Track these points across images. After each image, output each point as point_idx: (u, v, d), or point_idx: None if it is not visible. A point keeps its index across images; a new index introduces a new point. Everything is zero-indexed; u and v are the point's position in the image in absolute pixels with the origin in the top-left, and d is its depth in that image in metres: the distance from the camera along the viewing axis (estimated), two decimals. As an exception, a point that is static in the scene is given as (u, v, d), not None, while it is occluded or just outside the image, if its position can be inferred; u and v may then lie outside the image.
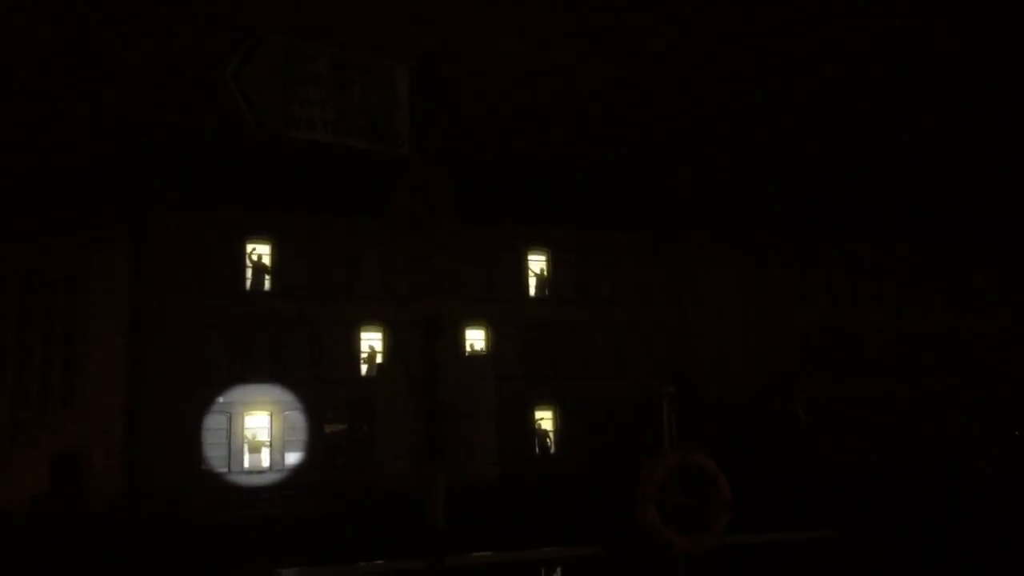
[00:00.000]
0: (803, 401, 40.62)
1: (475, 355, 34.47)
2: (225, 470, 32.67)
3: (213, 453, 32.93)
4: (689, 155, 42.10)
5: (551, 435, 37.59)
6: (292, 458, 33.84)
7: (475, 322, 36.65)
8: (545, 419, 37.56)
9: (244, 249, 34.85)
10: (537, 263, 39.06)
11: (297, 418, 34.04)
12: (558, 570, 7.77)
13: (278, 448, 33.66)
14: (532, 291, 38.86)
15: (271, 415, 33.70)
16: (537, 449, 37.23)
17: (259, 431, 33.61)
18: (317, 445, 34.17)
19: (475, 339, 37.05)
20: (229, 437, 33.14)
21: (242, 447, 33.31)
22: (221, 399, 32.87)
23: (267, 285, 35.10)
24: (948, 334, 43.70)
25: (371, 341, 35.66)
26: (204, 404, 32.50)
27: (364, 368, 35.12)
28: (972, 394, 42.85)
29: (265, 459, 33.53)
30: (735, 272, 40.64)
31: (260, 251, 35.09)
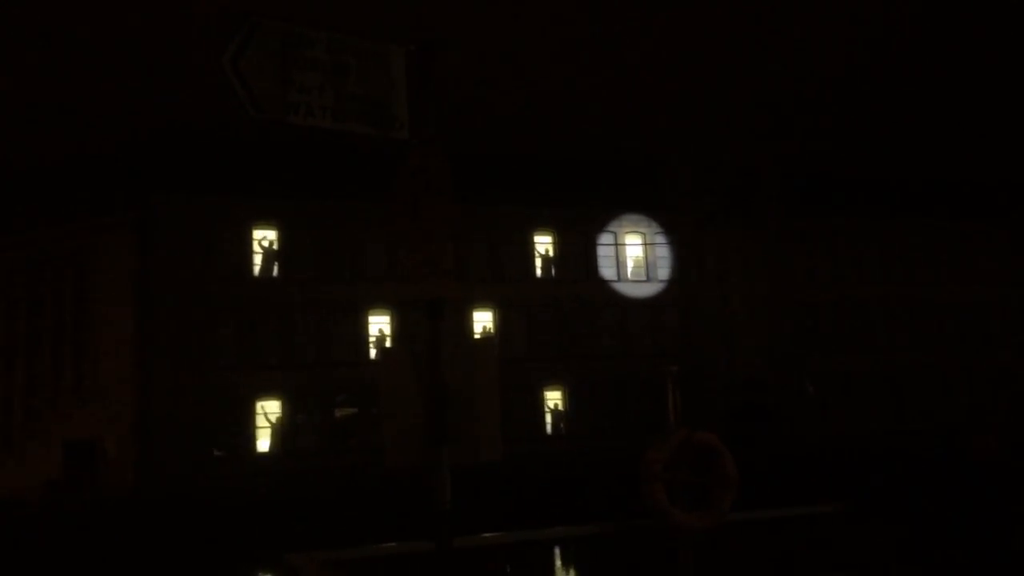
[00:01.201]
0: (810, 376, 40.62)
1: (479, 337, 34.60)
2: (236, 455, 32.87)
3: (225, 438, 33.13)
4: (695, 132, 41.83)
5: (561, 414, 37.68)
6: (303, 442, 34.02)
7: (482, 304, 36.68)
8: (554, 399, 37.65)
9: (251, 235, 34.91)
10: (543, 243, 39.01)
11: (307, 402, 34.20)
12: (566, 549, 7.82)
13: (289, 432, 33.84)
14: (539, 272, 38.83)
15: (281, 400, 33.86)
16: (548, 429, 37.34)
17: (270, 416, 33.78)
18: (328, 429, 34.34)
19: (483, 320, 37.09)
20: (240, 422, 33.33)
21: (253, 432, 33.50)
22: (231, 384, 33.01)
23: (275, 270, 35.18)
24: (956, 306, 43.54)
25: (379, 324, 35.75)
26: (214, 390, 32.66)
27: (373, 352, 35.21)
28: (982, 365, 42.75)
29: (276, 443, 33.71)
30: (742, 248, 40.53)
31: (267, 236, 35.14)
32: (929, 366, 41.96)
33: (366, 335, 35.58)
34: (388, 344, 35.05)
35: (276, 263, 35.23)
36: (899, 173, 48.00)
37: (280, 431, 33.75)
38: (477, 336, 35.60)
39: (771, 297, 40.43)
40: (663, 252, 40.19)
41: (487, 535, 7.23)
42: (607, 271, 39.34)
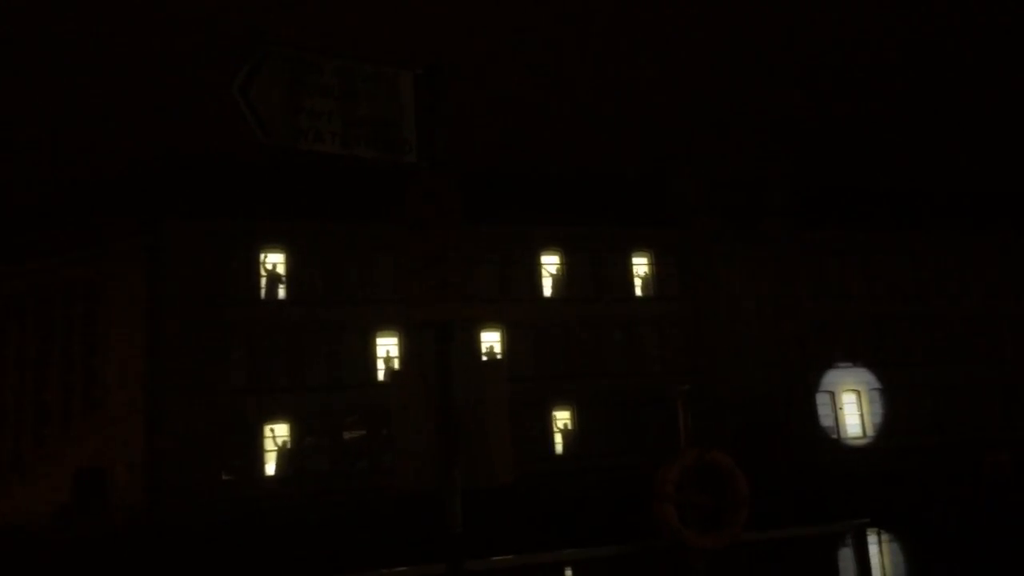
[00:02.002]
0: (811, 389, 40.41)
1: (488, 359, 34.55)
2: (247, 478, 32.82)
3: (234, 462, 33.11)
4: (701, 148, 41.86)
5: (571, 434, 37.54)
6: (312, 465, 33.96)
7: (490, 324, 36.66)
8: (563, 418, 37.52)
9: (259, 257, 35.01)
10: (551, 262, 39.02)
11: (316, 425, 34.16)
12: (578, 571, 7.77)
13: (298, 455, 33.79)
14: (547, 291, 38.81)
15: (290, 423, 33.84)
16: (558, 448, 37.20)
17: (279, 439, 33.76)
18: (337, 451, 34.28)
19: (491, 341, 37.05)
20: (250, 445, 33.30)
21: (263, 455, 33.46)
22: (240, 408, 33.01)
23: (282, 293, 35.27)
24: (966, 319, 43.30)
25: (387, 346, 35.76)
26: (224, 413, 32.66)
27: (381, 373, 35.21)
28: (996, 380, 42.45)
29: (286, 466, 33.66)
30: (750, 264, 40.47)
31: (274, 259, 35.25)
32: (941, 379, 41.68)
33: (375, 357, 35.58)
34: (397, 366, 35.04)
35: (284, 286, 35.32)
36: (908, 185, 47.97)
37: (289, 454, 33.71)
38: (486, 358, 35.55)
39: (780, 312, 40.31)
40: (671, 269, 40.14)
41: (499, 558, 7.20)
42: (615, 289, 39.29)
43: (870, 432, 40.71)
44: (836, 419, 40.50)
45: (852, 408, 41.07)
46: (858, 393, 41.18)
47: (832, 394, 40.71)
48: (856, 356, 41.39)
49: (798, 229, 41.17)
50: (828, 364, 40.78)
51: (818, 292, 41.41)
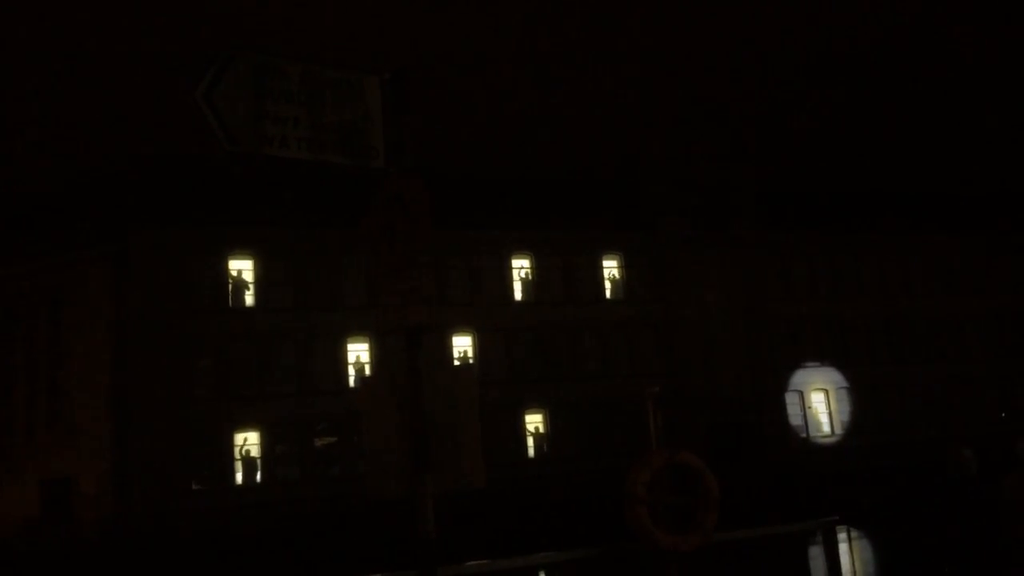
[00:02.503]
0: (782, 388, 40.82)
1: (459, 364, 34.50)
2: (217, 488, 32.48)
3: (204, 472, 32.76)
4: (668, 150, 42.12)
5: (543, 438, 37.58)
6: (284, 473, 33.69)
7: (462, 328, 36.61)
8: (535, 422, 37.55)
9: (226, 265, 34.69)
10: (521, 266, 39.06)
11: (287, 432, 33.90)
12: (552, 575, 7.78)
13: (269, 463, 33.50)
14: (518, 294, 38.83)
15: (260, 431, 33.54)
16: (530, 452, 37.22)
17: (250, 447, 33.45)
18: (309, 459, 34.03)
19: (462, 345, 37.00)
20: (219, 455, 32.97)
21: (233, 464, 33.13)
22: (209, 417, 32.67)
23: (251, 300, 34.96)
24: (931, 318, 43.95)
25: (358, 352, 35.57)
26: (193, 422, 32.30)
27: (352, 379, 35.00)
28: (960, 377, 43.13)
29: (257, 475, 33.36)
30: (719, 265, 40.78)
31: (242, 267, 34.94)
32: (907, 378, 42.28)
33: (345, 363, 35.38)
34: (367, 372, 34.86)
35: (252, 293, 35.01)
36: (873, 187, 48.63)
37: (260, 463, 33.41)
38: (456, 363, 35.49)
39: (750, 313, 40.65)
40: (641, 272, 40.33)
41: (472, 563, 7.19)
42: (586, 292, 39.40)
43: (838, 430, 41.19)
44: (805, 418, 40.93)
45: (821, 407, 41.56)
46: (826, 392, 41.66)
47: (801, 393, 41.14)
48: (824, 356, 41.86)
49: (766, 231, 41.56)
50: (797, 364, 41.21)
51: (786, 293, 41.84)
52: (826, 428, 41.35)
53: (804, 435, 40.52)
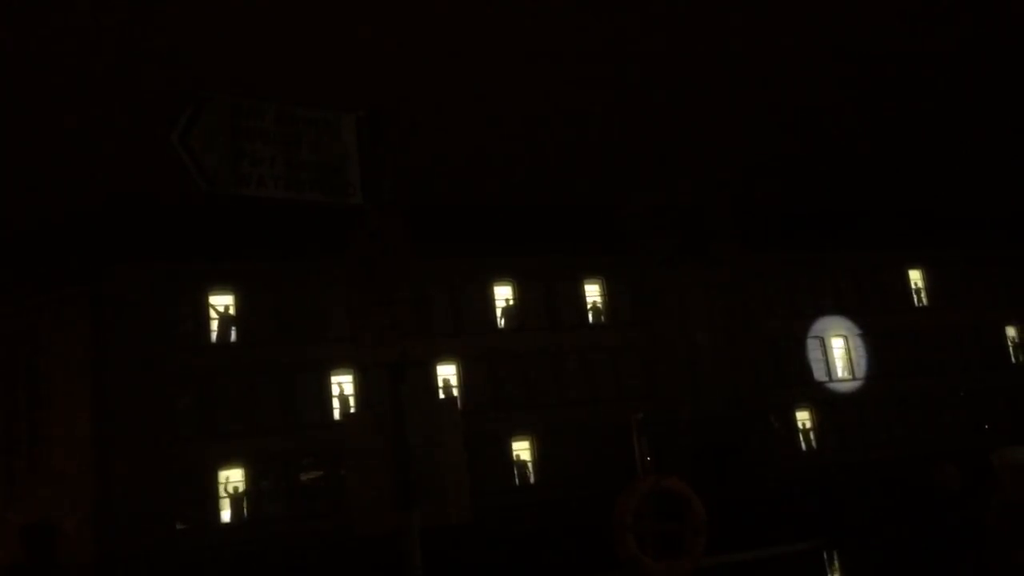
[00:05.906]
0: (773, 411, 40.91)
1: (443, 398, 34.37)
2: (202, 527, 32.07)
3: (188, 511, 32.34)
4: (648, 174, 42.45)
5: (529, 465, 37.40)
6: (269, 509, 33.32)
7: (445, 358, 36.50)
8: (521, 449, 37.39)
9: (207, 300, 34.47)
10: (503, 294, 39.05)
11: (271, 468, 33.57)
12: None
13: (255, 500, 33.13)
14: (500, 322, 38.79)
15: (244, 467, 33.20)
16: (516, 480, 37.02)
17: (234, 485, 33.08)
18: (294, 494, 33.69)
19: (446, 374, 36.88)
20: (204, 493, 32.58)
21: (218, 502, 32.74)
22: (192, 455, 32.31)
23: (233, 335, 34.73)
24: (914, 334, 44.22)
25: (343, 384, 35.35)
26: (175, 462, 31.93)
27: (337, 413, 34.76)
28: (946, 392, 43.41)
29: (242, 512, 32.97)
30: (701, 287, 40.94)
31: (224, 301, 34.74)
32: (892, 393, 42.46)
33: (330, 396, 35.13)
34: (352, 404, 34.63)
35: (234, 328, 34.77)
36: (852, 205, 49.10)
37: (245, 500, 33.03)
38: (441, 393, 35.35)
39: (733, 334, 40.78)
40: (623, 296, 40.41)
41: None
42: (568, 317, 39.42)
43: (824, 448, 41.23)
44: (790, 436, 40.99)
45: (807, 424, 41.65)
46: (811, 410, 41.77)
47: (785, 411, 41.22)
48: (808, 374, 42.03)
49: (747, 251, 41.82)
50: (782, 383, 41.31)
51: (768, 312, 42.04)
52: (813, 446, 41.42)
53: (790, 454, 40.54)
